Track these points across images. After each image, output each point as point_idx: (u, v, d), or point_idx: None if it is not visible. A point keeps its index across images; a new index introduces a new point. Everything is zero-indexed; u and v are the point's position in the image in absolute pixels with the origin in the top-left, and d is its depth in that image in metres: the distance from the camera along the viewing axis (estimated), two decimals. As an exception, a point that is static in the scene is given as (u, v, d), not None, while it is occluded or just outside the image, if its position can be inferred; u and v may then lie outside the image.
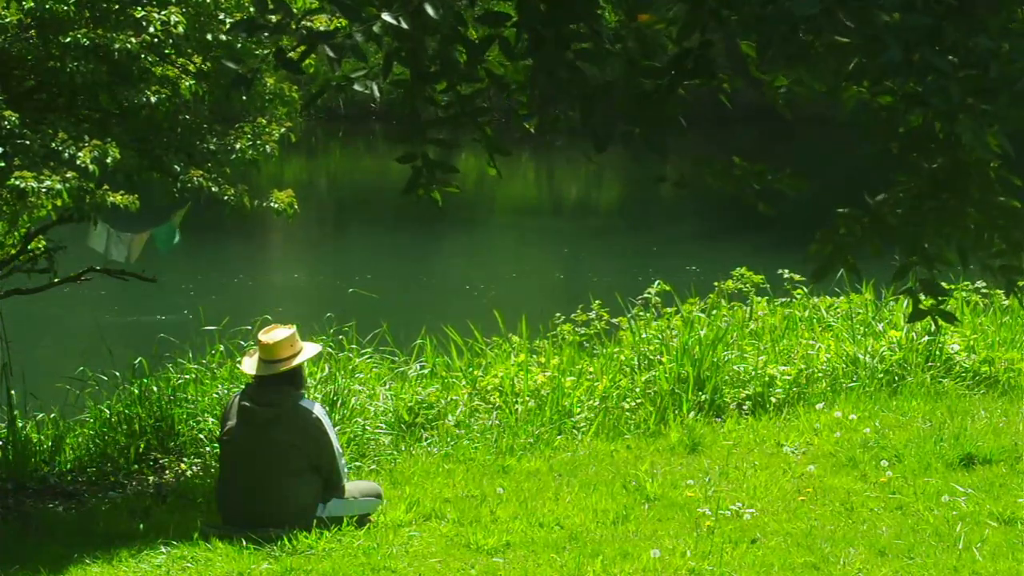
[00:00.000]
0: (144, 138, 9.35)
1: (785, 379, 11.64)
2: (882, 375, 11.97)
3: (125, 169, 9.00)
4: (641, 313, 13.03)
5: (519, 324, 12.55)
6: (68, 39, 8.95)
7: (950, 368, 12.14)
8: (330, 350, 11.58)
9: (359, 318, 12.63)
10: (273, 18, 4.38)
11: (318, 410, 9.04)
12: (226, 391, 10.66)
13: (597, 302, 13.37)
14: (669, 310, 13.03)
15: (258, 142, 9.65)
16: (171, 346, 11.74)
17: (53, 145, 8.81)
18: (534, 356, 12.08)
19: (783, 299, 13.76)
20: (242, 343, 11.50)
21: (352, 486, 9.13)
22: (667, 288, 13.32)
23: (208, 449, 10.36)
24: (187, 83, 9.33)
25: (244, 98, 9.79)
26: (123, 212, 9.24)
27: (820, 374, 11.95)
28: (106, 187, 9.11)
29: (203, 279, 20.62)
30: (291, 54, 4.42)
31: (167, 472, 10.34)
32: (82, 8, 9.15)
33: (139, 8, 9.19)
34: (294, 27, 4.38)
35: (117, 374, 11.26)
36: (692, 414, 11.13)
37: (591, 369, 11.88)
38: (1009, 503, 9.20)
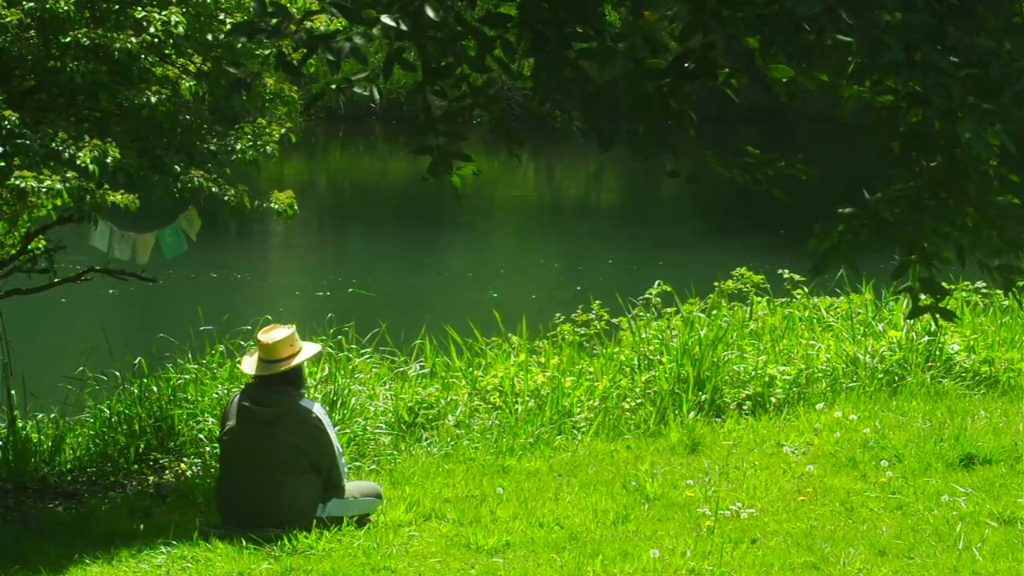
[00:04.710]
0: (144, 138, 9.34)
1: (785, 379, 11.63)
2: (882, 375, 11.97)
3: (125, 169, 9.00)
4: (641, 313, 13.03)
5: (519, 324, 12.55)
6: (68, 39, 8.95)
7: (950, 368, 12.13)
8: (330, 350, 11.58)
9: (359, 318, 12.64)
10: (272, 21, 4.39)
11: (318, 410, 9.04)
12: (226, 391, 10.66)
13: (597, 302, 13.37)
14: (669, 310, 13.03)
15: (258, 142, 9.64)
16: (171, 346, 11.74)
17: (53, 145, 8.81)
18: (534, 356, 12.08)
19: (783, 299, 13.76)
20: (242, 343, 11.50)
21: (352, 486, 9.13)
22: (667, 288, 13.32)
23: (208, 449, 10.37)
24: (187, 83, 9.32)
25: (244, 98, 9.79)
26: (124, 212, 9.24)
27: (820, 374, 11.95)
28: (106, 186, 9.11)
29: (203, 279, 20.62)
30: (292, 55, 4.44)
31: (167, 472, 10.34)
32: (82, 8, 9.14)
33: (139, 8, 9.19)
34: (294, 29, 4.39)
35: (117, 374, 11.25)
36: (692, 414, 11.13)
37: (591, 369, 11.87)
38: (1009, 503, 9.20)
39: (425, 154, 4.61)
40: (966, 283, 13.83)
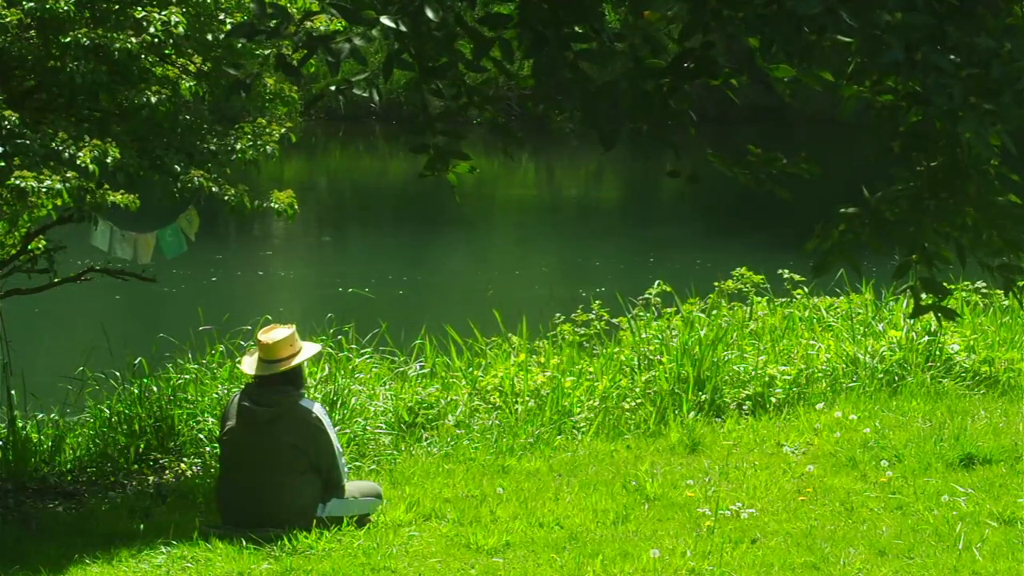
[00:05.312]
0: (144, 138, 9.35)
1: (785, 379, 11.63)
2: (882, 375, 11.97)
3: (125, 169, 9.00)
4: (641, 313, 13.03)
5: (519, 324, 12.55)
6: (68, 39, 8.95)
7: (950, 368, 12.14)
8: (330, 350, 11.58)
9: (359, 318, 12.63)
10: (272, 22, 4.39)
11: (318, 410, 9.04)
12: (226, 391, 10.66)
13: (597, 302, 13.38)
14: (669, 310, 13.03)
15: (258, 142, 9.64)
16: (171, 346, 11.74)
17: (53, 145, 8.81)
18: (534, 356, 12.08)
19: (783, 299, 13.76)
20: (242, 343, 11.50)
21: (352, 486, 9.13)
22: (667, 288, 13.33)
23: (208, 449, 10.37)
24: (187, 83, 9.33)
25: (244, 98, 9.79)
26: (124, 212, 9.25)
27: (820, 374, 11.95)
28: (106, 186, 9.11)
29: (203, 279, 20.63)
30: (292, 56, 4.45)
31: (167, 472, 10.34)
32: (82, 8, 9.15)
33: (139, 8, 9.19)
34: (293, 30, 4.39)
35: (117, 374, 11.26)
36: (692, 414, 11.13)
37: (591, 369, 11.87)
38: (1009, 503, 9.20)
39: (423, 152, 4.62)
40: (966, 283, 13.83)
